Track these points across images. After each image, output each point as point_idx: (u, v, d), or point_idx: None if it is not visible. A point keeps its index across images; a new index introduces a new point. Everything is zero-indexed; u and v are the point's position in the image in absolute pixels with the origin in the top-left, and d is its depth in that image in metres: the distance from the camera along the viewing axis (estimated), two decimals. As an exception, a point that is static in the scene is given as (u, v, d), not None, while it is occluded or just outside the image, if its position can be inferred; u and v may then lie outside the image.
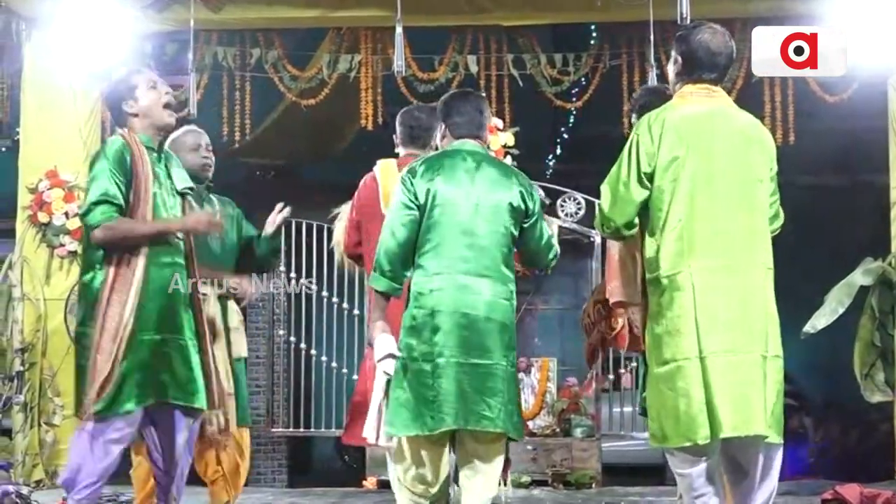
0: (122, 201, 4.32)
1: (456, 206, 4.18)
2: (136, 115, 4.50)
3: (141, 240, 4.35)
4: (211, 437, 4.95)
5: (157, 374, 4.35)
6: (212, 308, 5.13)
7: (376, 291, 4.25)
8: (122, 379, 4.26)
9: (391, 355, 4.15)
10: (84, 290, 4.43)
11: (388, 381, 4.18)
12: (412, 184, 4.22)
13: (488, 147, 4.58)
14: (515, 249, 4.35)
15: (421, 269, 4.19)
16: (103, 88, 4.70)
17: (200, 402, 4.48)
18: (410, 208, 4.21)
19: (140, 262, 4.33)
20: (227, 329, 5.21)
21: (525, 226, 4.29)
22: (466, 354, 4.09)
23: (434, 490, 4.18)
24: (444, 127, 4.43)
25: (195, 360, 4.46)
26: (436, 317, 4.11)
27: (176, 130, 5.37)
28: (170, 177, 4.54)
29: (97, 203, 4.29)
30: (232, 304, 5.26)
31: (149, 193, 4.38)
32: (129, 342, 4.26)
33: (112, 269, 4.31)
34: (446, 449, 4.19)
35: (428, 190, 4.19)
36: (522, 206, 4.25)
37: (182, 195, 4.56)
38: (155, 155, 4.49)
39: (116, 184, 4.31)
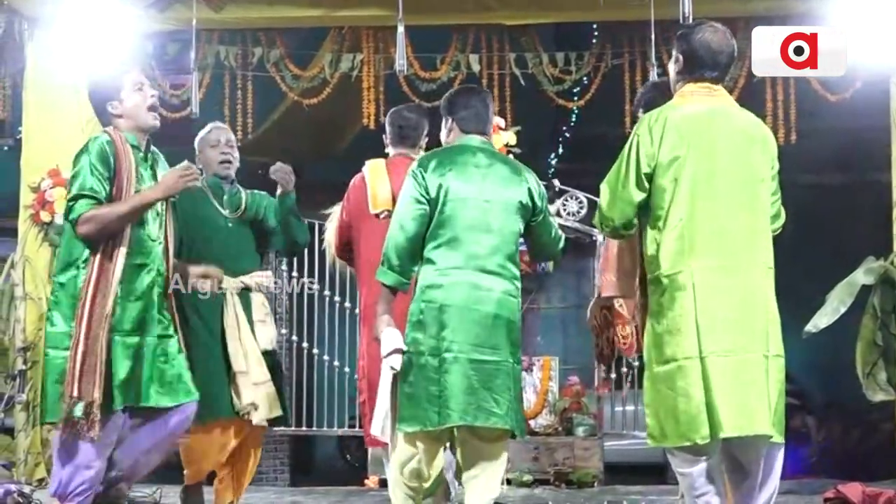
0: (102, 196, 4.34)
1: (468, 202, 4.18)
2: (120, 116, 4.51)
3: (123, 220, 4.36)
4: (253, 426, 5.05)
5: (134, 374, 4.37)
6: (230, 303, 5.16)
7: (384, 286, 4.24)
8: (110, 380, 4.28)
9: (398, 350, 4.14)
10: (62, 290, 4.42)
11: (395, 376, 4.18)
12: (423, 178, 4.21)
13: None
14: (526, 246, 4.37)
15: (431, 264, 4.19)
16: (89, 87, 4.69)
17: (154, 400, 4.47)
18: (421, 203, 4.20)
19: (118, 263, 4.35)
20: (251, 322, 5.23)
21: (534, 223, 4.32)
22: (476, 351, 4.09)
23: (428, 484, 4.19)
24: (451, 121, 4.42)
25: (154, 359, 4.46)
26: (445, 312, 4.11)
27: (203, 128, 5.45)
28: (155, 177, 4.55)
29: (77, 198, 4.33)
30: (256, 297, 5.28)
31: (131, 191, 4.39)
32: (109, 343, 4.28)
33: (95, 269, 4.31)
34: (443, 443, 4.20)
35: (440, 185, 4.18)
36: (531, 204, 4.27)
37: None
38: (140, 155, 4.50)
39: (98, 179, 4.33)
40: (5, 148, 9.56)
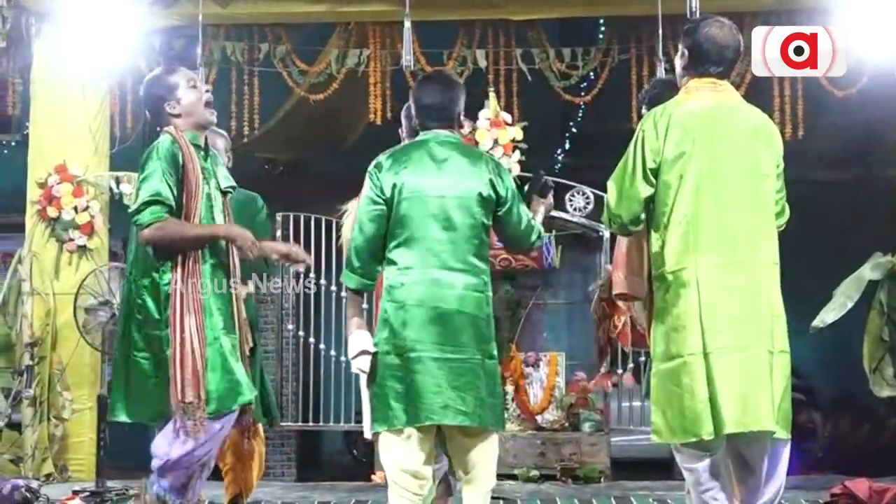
0: (172, 202, 4.28)
1: (424, 199, 4.14)
2: (178, 116, 4.47)
3: (189, 243, 4.30)
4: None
5: (233, 373, 4.38)
6: None
7: (348, 288, 4.27)
8: (222, 376, 4.28)
9: (364, 352, 4.17)
10: (147, 292, 4.35)
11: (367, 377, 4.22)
12: (378, 178, 4.20)
13: (474, 128, 4.48)
14: (497, 237, 4.32)
15: (392, 264, 4.17)
16: (142, 90, 4.64)
17: (249, 397, 4.49)
18: (377, 203, 4.18)
19: (202, 262, 4.32)
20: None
21: (500, 213, 4.23)
22: (439, 349, 4.07)
23: (424, 483, 4.13)
24: (414, 113, 4.39)
25: (237, 357, 4.48)
26: (407, 311, 4.10)
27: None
28: (215, 175, 4.54)
29: (148, 203, 4.25)
30: None
31: (200, 191, 4.35)
32: (205, 344, 4.28)
33: (181, 272, 4.27)
34: (430, 442, 4.16)
35: (394, 184, 4.16)
36: (493, 195, 4.19)
37: (224, 193, 4.56)
38: (202, 153, 4.48)
39: (168, 184, 4.26)
40: (13, 144, 9.59)
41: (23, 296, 7.28)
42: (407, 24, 7.13)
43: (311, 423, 8.86)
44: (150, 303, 4.33)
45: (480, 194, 4.16)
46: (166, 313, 4.28)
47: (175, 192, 4.30)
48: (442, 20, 7.81)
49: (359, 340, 4.19)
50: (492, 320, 4.21)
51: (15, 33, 7.45)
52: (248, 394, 4.38)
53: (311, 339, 8.75)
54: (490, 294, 4.22)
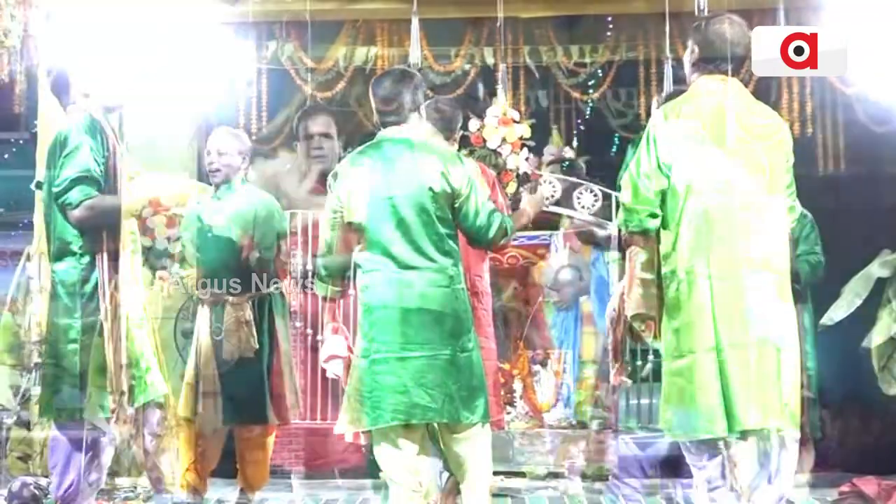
0: (101, 178, 4.21)
1: (376, 202, 4.19)
2: (87, 95, 4.40)
3: (120, 216, 4.30)
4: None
5: (150, 364, 4.34)
6: (200, 314, 5.16)
7: (320, 296, 4.37)
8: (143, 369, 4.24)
9: (335, 356, 4.29)
10: (61, 282, 4.29)
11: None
12: (334, 187, 4.28)
13: (482, 126, 4.46)
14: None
15: (359, 268, 4.26)
16: (54, 69, 4.59)
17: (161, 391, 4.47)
18: (336, 211, 4.27)
19: (123, 249, 4.29)
20: (219, 332, 5.27)
21: (455, 206, 4.24)
22: (402, 348, 4.12)
23: (421, 480, 4.16)
24: (374, 109, 4.41)
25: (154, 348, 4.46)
26: (373, 313, 4.18)
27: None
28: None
29: (76, 181, 4.16)
30: (230, 309, 5.28)
31: (123, 168, 4.30)
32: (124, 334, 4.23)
33: (104, 256, 4.21)
34: (419, 440, 4.18)
35: (349, 191, 4.21)
36: (447, 188, 4.21)
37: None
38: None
39: (95, 160, 4.20)
40: (20, 141, 9.58)
41: (31, 294, 7.29)
42: (415, 21, 7.12)
43: (318, 421, 8.86)
44: (62, 291, 4.26)
45: (432, 189, 4.18)
46: (83, 300, 4.20)
47: (102, 169, 4.21)
48: (450, 17, 7.80)
49: (331, 345, 4.31)
50: (466, 314, 4.24)
51: (22, 31, 7.45)
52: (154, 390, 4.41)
53: (319, 337, 8.74)
54: (460, 286, 4.23)
